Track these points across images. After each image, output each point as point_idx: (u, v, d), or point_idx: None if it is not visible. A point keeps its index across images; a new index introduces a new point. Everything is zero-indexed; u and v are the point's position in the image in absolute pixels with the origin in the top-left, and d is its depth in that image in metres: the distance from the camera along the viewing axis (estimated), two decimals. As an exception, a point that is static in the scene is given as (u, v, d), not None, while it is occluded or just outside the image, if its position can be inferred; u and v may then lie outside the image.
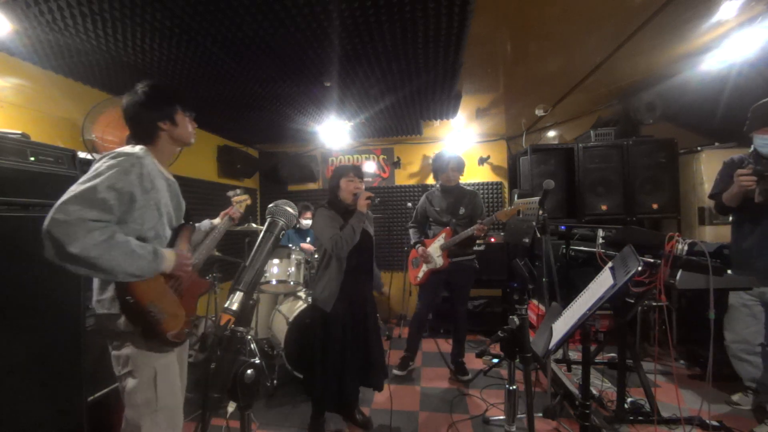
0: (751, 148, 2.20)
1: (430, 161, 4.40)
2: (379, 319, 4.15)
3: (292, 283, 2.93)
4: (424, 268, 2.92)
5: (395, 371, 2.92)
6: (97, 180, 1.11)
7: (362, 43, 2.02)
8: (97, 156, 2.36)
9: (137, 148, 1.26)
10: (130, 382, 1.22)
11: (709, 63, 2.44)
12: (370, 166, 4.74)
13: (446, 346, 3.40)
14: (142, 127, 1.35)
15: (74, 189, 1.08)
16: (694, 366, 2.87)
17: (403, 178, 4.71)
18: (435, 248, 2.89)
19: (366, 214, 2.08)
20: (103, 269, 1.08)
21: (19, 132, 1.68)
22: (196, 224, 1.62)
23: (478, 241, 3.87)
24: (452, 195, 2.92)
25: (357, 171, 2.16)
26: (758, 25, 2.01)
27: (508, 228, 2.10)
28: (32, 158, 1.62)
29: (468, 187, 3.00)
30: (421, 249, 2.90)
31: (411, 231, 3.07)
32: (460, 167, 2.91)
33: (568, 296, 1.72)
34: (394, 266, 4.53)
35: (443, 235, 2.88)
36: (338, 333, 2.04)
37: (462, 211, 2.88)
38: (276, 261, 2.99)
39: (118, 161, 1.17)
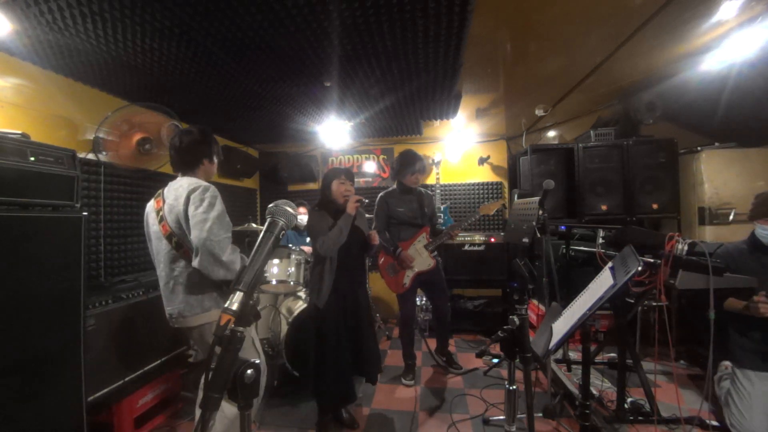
0: (749, 235, 2.08)
1: (431, 160, 4.42)
2: (379, 318, 4.17)
3: (292, 283, 2.91)
4: (409, 272, 2.82)
5: (404, 381, 2.83)
6: (218, 207, 1.60)
7: (362, 43, 2.02)
8: (102, 157, 2.48)
9: (204, 182, 1.68)
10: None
11: (709, 63, 2.44)
12: (370, 166, 4.73)
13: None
14: (190, 158, 1.75)
15: (209, 217, 1.54)
16: (694, 366, 2.87)
17: (403, 178, 4.71)
18: (419, 250, 2.83)
19: (358, 213, 2.18)
20: (234, 271, 1.57)
21: (19, 132, 1.68)
22: None
23: (477, 240, 3.89)
24: (414, 195, 2.89)
25: (348, 174, 2.22)
26: (758, 25, 2.01)
27: (508, 228, 2.09)
28: (32, 158, 1.62)
29: (422, 189, 2.98)
30: (404, 254, 2.76)
31: (381, 239, 2.73)
32: (426, 171, 2.95)
33: (568, 296, 1.72)
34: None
35: (423, 235, 2.84)
36: (332, 328, 2.09)
37: (426, 210, 2.89)
38: (276, 261, 2.98)
39: (214, 191, 1.64)
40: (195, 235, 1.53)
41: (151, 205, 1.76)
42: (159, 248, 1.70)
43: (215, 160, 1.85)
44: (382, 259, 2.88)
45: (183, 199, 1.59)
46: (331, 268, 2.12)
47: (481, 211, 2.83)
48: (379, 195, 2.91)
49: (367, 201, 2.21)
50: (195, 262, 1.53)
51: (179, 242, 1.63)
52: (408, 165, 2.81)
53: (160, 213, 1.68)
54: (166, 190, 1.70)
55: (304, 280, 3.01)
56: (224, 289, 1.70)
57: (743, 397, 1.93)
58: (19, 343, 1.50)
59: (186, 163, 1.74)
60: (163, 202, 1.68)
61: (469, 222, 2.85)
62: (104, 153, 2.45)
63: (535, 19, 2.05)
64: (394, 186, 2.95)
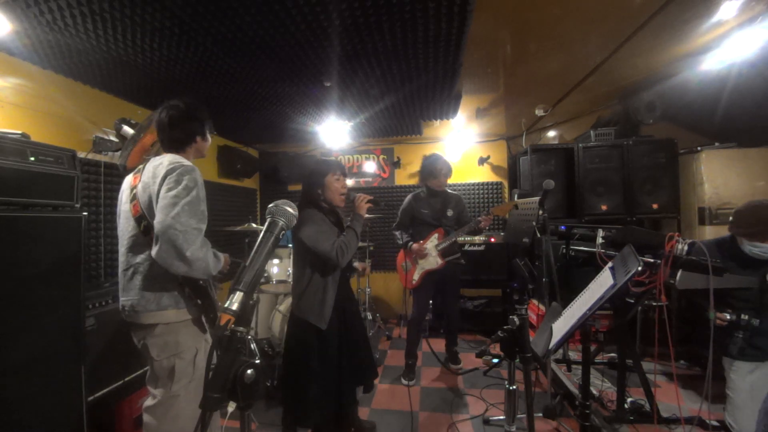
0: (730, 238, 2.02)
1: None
2: (379, 318, 4.17)
3: (291, 282, 2.93)
4: (419, 270, 2.90)
5: (404, 381, 2.85)
6: (194, 193, 1.37)
7: (362, 43, 2.02)
8: (117, 155, 2.44)
9: (188, 162, 1.47)
10: (178, 363, 1.46)
11: (709, 63, 2.44)
12: (370, 166, 4.74)
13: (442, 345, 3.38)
14: (181, 135, 1.55)
15: (179, 202, 1.32)
16: (694, 366, 2.87)
17: (403, 178, 4.71)
18: (430, 249, 2.88)
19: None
20: (199, 269, 1.35)
21: (19, 132, 1.68)
22: None
23: (477, 240, 3.88)
24: (439, 198, 2.96)
25: (342, 168, 1.94)
26: (758, 25, 2.00)
27: (508, 228, 2.10)
28: (32, 158, 1.62)
29: (452, 191, 3.05)
30: (415, 246, 2.83)
31: (397, 233, 2.98)
32: (450, 173, 2.98)
33: (568, 296, 1.72)
34: (394, 267, 4.52)
35: (435, 235, 2.89)
36: (335, 349, 1.83)
37: (450, 213, 2.95)
38: (276, 261, 2.99)
39: (196, 174, 1.42)
40: (158, 220, 1.31)
41: (128, 181, 1.56)
42: (125, 229, 1.50)
43: (208, 137, 1.65)
44: (400, 256, 2.99)
45: (159, 179, 1.39)
46: (334, 282, 1.82)
47: (494, 211, 2.75)
48: (409, 195, 3.04)
49: (384, 203, 2.02)
50: (153, 251, 1.32)
51: (148, 227, 1.41)
52: (431, 173, 2.91)
53: (134, 191, 1.48)
54: (146, 165, 1.51)
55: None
56: (186, 291, 1.47)
57: (734, 392, 1.95)
58: (19, 343, 1.50)
59: (176, 142, 1.55)
60: (140, 179, 1.49)
61: (477, 225, 2.76)
62: (121, 153, 2.47)
63: (536, 19, 2.05)
64: (424, 189, 3.03)
